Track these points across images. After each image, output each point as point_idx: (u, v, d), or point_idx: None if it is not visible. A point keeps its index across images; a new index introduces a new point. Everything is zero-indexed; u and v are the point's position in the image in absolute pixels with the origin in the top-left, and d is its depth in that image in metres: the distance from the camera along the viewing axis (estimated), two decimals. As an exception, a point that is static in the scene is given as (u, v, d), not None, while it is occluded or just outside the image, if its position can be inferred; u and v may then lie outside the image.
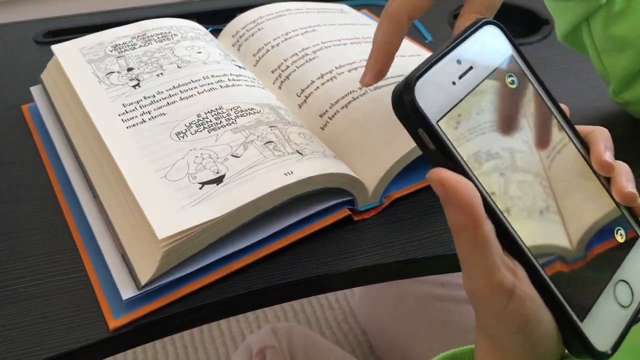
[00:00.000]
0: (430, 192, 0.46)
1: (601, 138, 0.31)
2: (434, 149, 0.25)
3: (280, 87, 0.53)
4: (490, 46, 0.28)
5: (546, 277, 0.26)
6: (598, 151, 0.30)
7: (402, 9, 0.40)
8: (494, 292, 0.25)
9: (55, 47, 0.52)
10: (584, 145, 0.31)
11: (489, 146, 0.27)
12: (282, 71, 0.54)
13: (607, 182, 0.31)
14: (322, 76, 0.51)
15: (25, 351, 0.36)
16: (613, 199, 0.31)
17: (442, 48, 0.26)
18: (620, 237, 0.30)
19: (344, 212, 0.43)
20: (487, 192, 0.26)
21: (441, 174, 0.24)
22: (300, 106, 0.51)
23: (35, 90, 0.54)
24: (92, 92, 0.47)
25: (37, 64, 0.63)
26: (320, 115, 0.49)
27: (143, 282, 0.37)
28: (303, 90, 0.51)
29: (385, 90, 0.49)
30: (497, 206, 0.26)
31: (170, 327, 0.38)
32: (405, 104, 0.25)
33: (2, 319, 0.37)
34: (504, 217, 0.26)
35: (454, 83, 0.26)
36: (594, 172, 0.31)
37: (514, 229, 0.26)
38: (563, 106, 0.31)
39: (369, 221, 0.44)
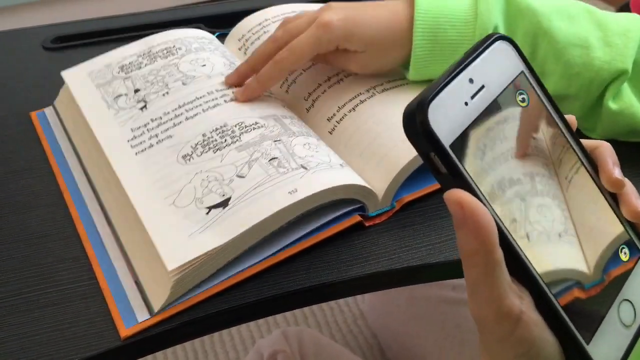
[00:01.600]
0: (442, 195, 0.46)
1: (608, 154, 0.30)
2: (446, 173, 0.25)
3: (287, 91, 0.53)
4: (501, 63, 0.27)
5: (555, 302, 0.26)
6: (608, 168, 0.30)
7: (287, 60, 0.47)
8: (502, 318, 0.25)
9: (65, 74, 0.53)
10: (591, 162, 0.31)
11: (501, 169, 0.26)
12: (289, 75, 0.53)
13: (612, 199, 0.30)
14: (329, 79, 0.51)
15: (51, 356, 0.36)
16: (617, 216, 0.30)
17: (455, 66, 0.26)
18: (624, 255, 0.30)
19: (355, 219, 0.43)
20: (497, 217, 0.25)
21: (460, 196, 0.24)
22: (307, 110, 0.50)
23: (49, 114, 0.55)
24: (102, 119, 0.48)
25: (45, 70, 0.63)
26: (327, 119, 0.49)
27: (156, 309, 0.38)
28: (310, 94, 0.51)
29: (391, 93, 0.49)
30: (507, 231, 0.25)
31: (182, 335, 0.39)
32: (417, 126, 0.24)
33: (17, 327, 0.38)
34: (515, 242, 0.26)
35: (466, 104, 0.25)
36: (600, 188, 0.30)
37: (523, 254, 0.26)
38: (569, 117, 0.31)
39: (381, 226, 0.44)
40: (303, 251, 0.41)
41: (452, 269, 0.42)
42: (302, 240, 0.41)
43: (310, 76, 0.52)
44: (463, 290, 0.69)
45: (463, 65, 0.26)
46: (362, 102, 0.48)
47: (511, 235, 0.25)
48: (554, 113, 0.29)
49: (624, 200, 0.30)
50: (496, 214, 0.25)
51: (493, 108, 0.26)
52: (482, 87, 0.26)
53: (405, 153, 0.43)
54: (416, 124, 0.24)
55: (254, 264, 0.40)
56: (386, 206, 0.44)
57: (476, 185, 0.25)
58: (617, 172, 0.30)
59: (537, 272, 0.26)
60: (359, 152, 0.45)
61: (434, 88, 0.24)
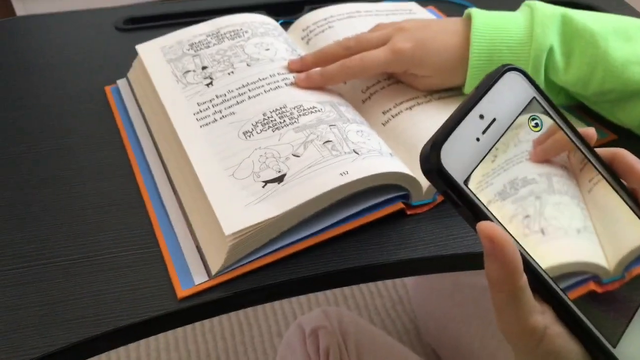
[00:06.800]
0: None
1: (629, 157, 0.31)
2: (463, 207, 0.26)
3: (345, 82, 0.55)
4: (511, 93, 0.28)
5: (577, 311, 0.28)
6: (637, 168, 0.31)
7: (356, 68, 0.49)
8: (527, 336, 0.27)
9: (139, 47, 0.56)
10: (610, 173, 0.31)
11: (516, 199, 0.27)
12: None
13: (637, 207, 0.31)
14: (388, 78, 0.53)
15: (120, 313, 0.40)
16: None
17: (465, 104, 0.27)
18: None
19: (398, 206, 0.45)
20: (519, 244, 0.27)
21: (490, 230, 0.25)
22: (363, 101, 0.53)
23: (122, 84, 0.58)
24: (171, 91, 0.51)
25: (118, 50, 0.66)
26: (383, 112, 0.51)
27: (214, 271, 0.41)
28: (368, 88, 0.53)
29: (448, 102, 0.51)
30: (529, 255, 0.27)
31: (238, 303, 0.41)
32: (432, 167, 0.25)
33: (94, 284, 0.42)
34: (535, 262, 0.27)
35: (477, 139, 0.26)
36: (622, 197, 0.31)
37: (545, 272, 0.27)
38: (588, 130, 0.31)
39: (428, 214, 0.46)
40: (354, 233, 0.44)
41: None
42: (349, 220, 0.44)
43: None
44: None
45: (473, 102, 0.27)
46: (419, 104, 0.50)
47: (532, 257, 0.27)
48: (569, 132, 0.30)
49: None
50: (513, 237, 0.27)
51: (506, 139, 0.27)
52: (494, 120, 0.27)
53: None
54: (431, 165, 0.25)
55: (306, 238, 0.42)
56: (429, 199, 0.46)
57: (493, 216, 0.26)
58: None
59: (558, 286, 0.27)
60: (410, 146, 0.47)
61: (445, 129, 0.26)
